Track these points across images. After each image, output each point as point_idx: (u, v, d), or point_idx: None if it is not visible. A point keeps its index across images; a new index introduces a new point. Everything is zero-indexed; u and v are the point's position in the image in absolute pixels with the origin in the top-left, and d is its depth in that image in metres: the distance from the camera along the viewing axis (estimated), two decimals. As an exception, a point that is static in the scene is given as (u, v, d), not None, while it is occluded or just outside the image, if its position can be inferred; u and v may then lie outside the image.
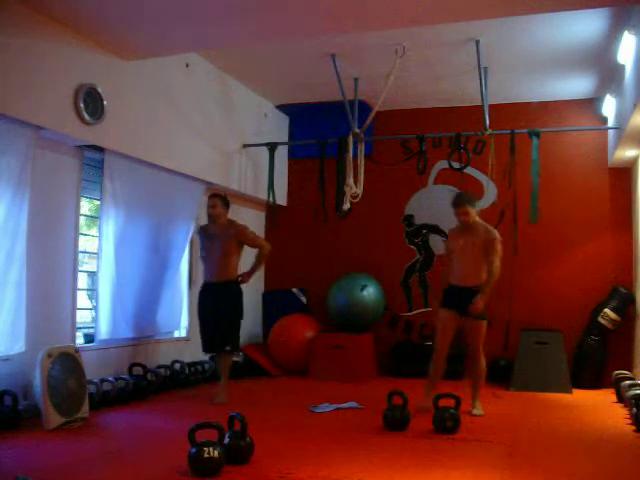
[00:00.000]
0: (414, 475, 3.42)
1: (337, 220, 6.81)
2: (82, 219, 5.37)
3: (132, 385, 5.30)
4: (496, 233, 5.08)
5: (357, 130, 6.55)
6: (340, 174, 6.58)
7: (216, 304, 5.55)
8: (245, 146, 7.23)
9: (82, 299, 5.55)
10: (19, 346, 4.36)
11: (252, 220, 7.87)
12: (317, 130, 7.42)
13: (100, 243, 5.36)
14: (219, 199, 5.64)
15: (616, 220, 7.04)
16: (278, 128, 7.99)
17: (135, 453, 3.78)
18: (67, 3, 4.37)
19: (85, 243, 5.60)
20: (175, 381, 6.01)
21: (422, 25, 5.21)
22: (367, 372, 6.97)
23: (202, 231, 5.77)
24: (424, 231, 7.57)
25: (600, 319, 6.68)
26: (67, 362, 4.56)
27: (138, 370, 5.59)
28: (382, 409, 4.57)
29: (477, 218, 5.12)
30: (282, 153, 7.88)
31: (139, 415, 4.91)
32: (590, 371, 6.63)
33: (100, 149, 5.23)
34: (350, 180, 6.42)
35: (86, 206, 5.67)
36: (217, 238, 5.55)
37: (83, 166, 5.27)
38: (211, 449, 3.30)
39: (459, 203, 5.06)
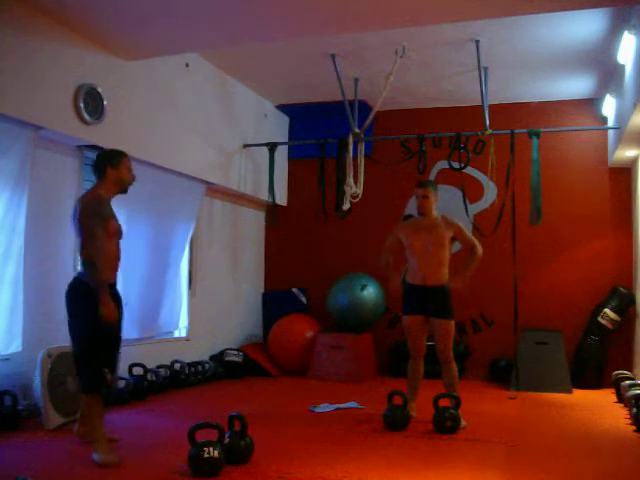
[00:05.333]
0: (414, 475, 3.42)
1: (337, 220, 6.80)
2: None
3: (132, 385, 5.30)
4: (456, 220, 4.83)
5: (357, 130, 6.55)
6: (340, 174, 6.58)
7: (120, 315, 3.83)
8: (245, 146, 7.23)
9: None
10: (16, 345, 4.36)
11: (252, 220, 7.92)
12: (317, 130, 7.43)
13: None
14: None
15: (616, 220, 7.04)
16: (278, 128, 8.00)
17: (135, 453, 3.77)
18: (67, 3, 4.37)
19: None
20: (175, 381, 6.01)
21: (422, 25, 5.21)
22: (367, 372, 6.97)
23: (108, 206, 3.83)
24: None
25: (600, 319, 6.69)
26: (67, 362, 4.55)
27: (138, 370, 5.59)
28: (382, 409, 4.57)
29: (435, 211, 4.83)
30: (282, 153, 7.88)
31: (139, 415, 4.91)
32: (590, 371, 6.63)
33: (100, 149, 5.22)
34: (350, 180, 6.42)
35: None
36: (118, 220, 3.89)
37: (83, 166, 5.27)
38: (211, 449, 3.30)
39: (423, 184, 4.80)
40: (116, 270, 3.90)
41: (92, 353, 3.67)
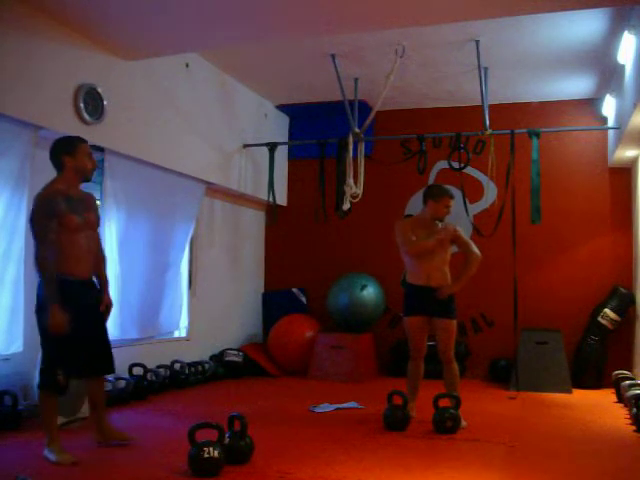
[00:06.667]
0: (414, 475, 3.42)
1: (337, 220, 6.80)
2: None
3: (132, 385, 5.30)
4: (454, 225, 4.83)
5: (357, 130, 6.54)
6: (340, 174, 6.58)
7: (95, 309, 3.84)
8: (245, 146, 7.23)
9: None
10: (16, 346, 4.36)
11: (252, 220, 7.92)
12: (317, 130, 7.44)
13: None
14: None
15: (616, 220, 7.03)
16: (278, 128, 8.00)
17: (135, 453, 3.77)
18: (67, 3, 4.37)
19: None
20: (175, 381, 6.01)
21: (422, 25, 5.21)
22: (367, 372, 6.96)
23: (62, 201, 3.60)
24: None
25: (600, 319, 6.68)
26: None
27: (138, 370, 5.59)
28: (382, 409, 4.57)
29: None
30: (282, 153, 7.88)
31: (139, 415, 4.91)
32: (590, 371, 6.63)
33: (100, 149, 5.22)
34: (350, 180, 6.42)
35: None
36: (85, 210, 3.75)
37: (83, 166, 5.26)
38: (211, 449, 3.30)
39: (453, 196, 4.77)
40: (88, 264, 3.73)
41: (49, 353, 3.63)
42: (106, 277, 3.95)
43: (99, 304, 3.86)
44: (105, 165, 5.30)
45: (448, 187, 4.92)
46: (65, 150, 3.67)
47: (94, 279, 3.87)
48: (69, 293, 3.60)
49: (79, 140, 3.76)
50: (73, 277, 3.64)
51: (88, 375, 3.85)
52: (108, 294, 3.92)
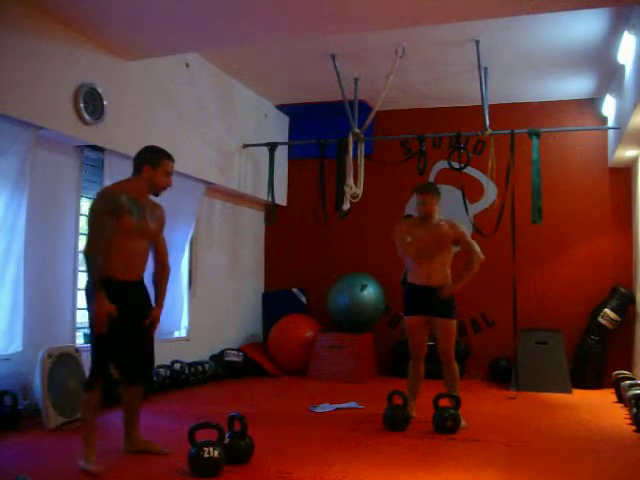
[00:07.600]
0: (414, 475, 3.42)
1: (337, 220, 6.80)
2: (82, 219, 5.37)
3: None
4: (461, 225, 4.84)
5: (357, 130, 6.55)
6: (340, 174, 6.58)
7: (141, 312, 3.75)
8: (245, 146, 7.23)
9: (82, 299, 5.54)
10: (16, 346, 4.36)
11: (252, 220, 7.92)
12: (317, 130, 7.43)
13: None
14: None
15: (616, 220, 7.03)
16: (278, 128, 8.00)
17: (135, 453, 3.77)
18: (67, 3, 4.37)
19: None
20: (175, 381, 6.01)
21: (422, 25, 5.21)
22: (367, 372, 6.97)
23: (123, 201, 3.62)
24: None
25: (600, 319, 6.68)
26: (67, 362, 4.57)
27: (138, 370, 5.58)
28: (382, 409, 4.57)
29: (438, 214, 4.81)
30: (282, 153, 7.88)
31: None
32: (590, 371, 6.63)
33: (100, 149, 5.23)
34: (350, 180, 6.42)
35: (86, 206, 5.66)
36: (147, 217, 3.79)
37: (83, 166, 5.26)
38: (211, 449, 3.30)
39: (425, 190, 4.76)
40: (137, 268, 3.72)
41: (97, 349, 3.59)
42: (163, 290, 3.89)
43: (146, 306, 3.77)
44: (105, 165, 5.30)
45: (431, 185, 5.01)
46: (148, 160, 3.74)
47: (144, 283, 3.80)
48: (114, 293, 3.55)
49: (166, 156, 3.80)
50: (119, 279, 3.59)
51: (126, 380, 3.75)
52: (159, 308, 3.83)
